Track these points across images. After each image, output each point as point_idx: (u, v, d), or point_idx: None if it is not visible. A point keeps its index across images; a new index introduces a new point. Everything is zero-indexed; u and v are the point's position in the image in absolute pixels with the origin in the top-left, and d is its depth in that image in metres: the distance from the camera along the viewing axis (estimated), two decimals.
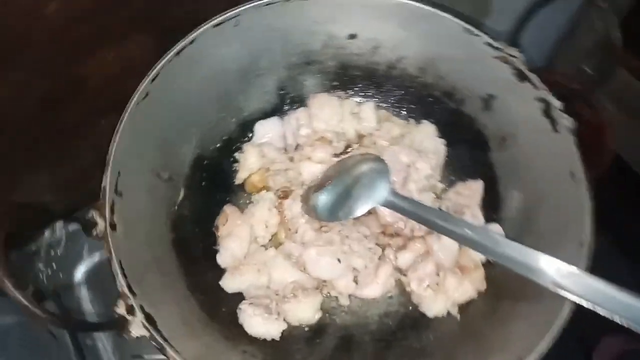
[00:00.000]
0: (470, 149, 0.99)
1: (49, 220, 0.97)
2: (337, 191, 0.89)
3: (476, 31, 0.85)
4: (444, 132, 1.01)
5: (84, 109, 0.85)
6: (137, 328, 0.65)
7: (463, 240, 0.77)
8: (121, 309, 0.66)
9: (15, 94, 0.74)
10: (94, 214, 0.71)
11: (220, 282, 0.86)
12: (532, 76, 0.84)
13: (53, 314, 0.69)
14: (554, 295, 0.67)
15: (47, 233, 0.97)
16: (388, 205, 0.84)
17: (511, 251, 0.72)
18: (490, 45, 0.87)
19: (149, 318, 0.67)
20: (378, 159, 0.92)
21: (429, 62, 0.97)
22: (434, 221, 0.80)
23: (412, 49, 0.96)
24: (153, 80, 0.80)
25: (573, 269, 0.67)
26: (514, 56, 0.86)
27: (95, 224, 0.70)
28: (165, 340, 0.65)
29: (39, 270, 0.96)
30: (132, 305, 0.66)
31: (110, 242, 0.69)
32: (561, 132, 0.81)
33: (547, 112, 0.82)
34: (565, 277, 0.66)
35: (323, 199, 0.89)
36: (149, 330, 0.65)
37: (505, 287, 0.83)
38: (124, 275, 0.68)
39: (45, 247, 0.95)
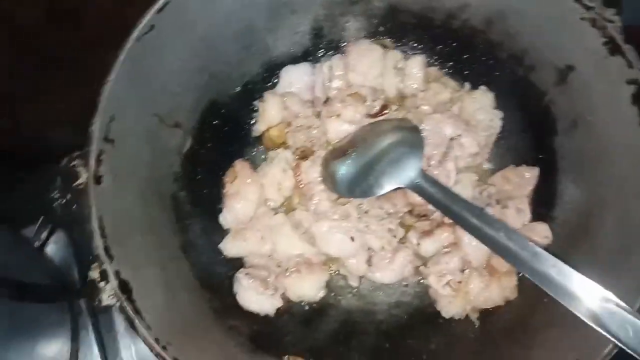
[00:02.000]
0: (531, 128, 0.83)
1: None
2: (360, 163, 0.77)
3: None
4: (503, 104, 0.85)
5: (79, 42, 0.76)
6: (108, 297, 0.60)
7: (492, 245, 0.65)
8: (94, 273, 0.61)
9: None
10: (76, 164, 0.64)
11: (220, 245, 0.79)
12: (628, 49, 0.67)
13: None
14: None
15: (64, 161, 0.90)
16: (414, 189, 0.72)
17: (546, 267, 0.60)
18: (579, 1, 0.69)
19: (123, 285, 0.61)
20: (414, 129, 0.79)
21: (498, 15, 0.80)
22: (463, 216, 0.67)
23: None
24: (160, 10, 0.68)
25: (618, 303, 0.54)
26: (609, 20, 0.68)
27: (76, 176, 0.63)
28: (137, 312, 0.60)
29: (54, 199, 0.91)
30: (105, 271, 0.60)
31: (92, 197, 0.63)
32: None
33: (638, 98, 0.65)
34: (607, 310, 0.54)
35: (343, 170, 0.78)
36: (120, 300, 0.59)
37: (540, 304, 0.70)
38: (103, 236, 0.62)
39: (62, 175, 0.87)
